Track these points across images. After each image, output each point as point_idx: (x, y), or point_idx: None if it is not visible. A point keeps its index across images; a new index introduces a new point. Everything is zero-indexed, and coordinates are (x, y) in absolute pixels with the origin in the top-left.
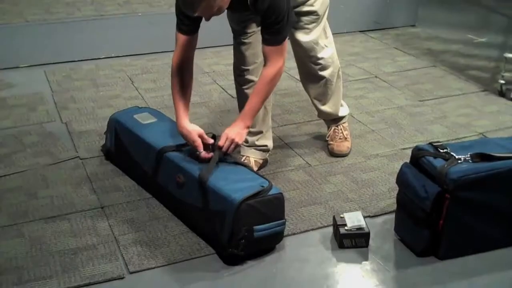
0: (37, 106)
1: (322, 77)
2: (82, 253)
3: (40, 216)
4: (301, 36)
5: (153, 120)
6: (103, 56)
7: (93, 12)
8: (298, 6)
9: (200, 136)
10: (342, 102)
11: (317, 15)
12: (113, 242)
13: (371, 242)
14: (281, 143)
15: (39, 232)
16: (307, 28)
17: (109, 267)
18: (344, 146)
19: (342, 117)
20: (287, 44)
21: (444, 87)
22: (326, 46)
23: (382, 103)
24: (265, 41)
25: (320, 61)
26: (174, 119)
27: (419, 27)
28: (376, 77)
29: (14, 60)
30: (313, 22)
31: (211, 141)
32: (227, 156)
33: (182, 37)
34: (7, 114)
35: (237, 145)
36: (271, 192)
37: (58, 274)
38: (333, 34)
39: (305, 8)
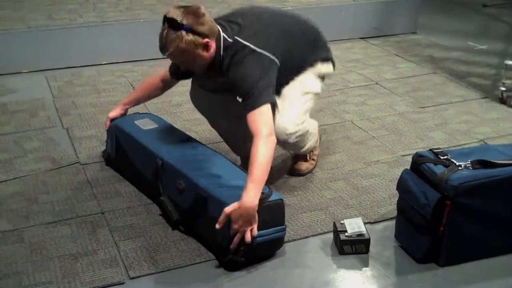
0: (38, 111)
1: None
2: (82, 258)
3: (41, 221)
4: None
5: (154, 126)
6: (104, 62)
7: (95, 19)
8: None
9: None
10: (311, 123)
11: None
12: (113, 248)
13: (371, 248)
14: (282, 150)
15: (39, 237)
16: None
17: (109, 273)
18: (303, 166)
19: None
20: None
21: (444, 94)
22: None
23: (383, 110)
24: (244, 110)
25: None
26: (175, 125)
27: (420, 34)
28: (376, 83)
29: (16, 65)
30: None
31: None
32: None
33: (166, 73)
34: (8, 120)
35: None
36: (271, 198)
37: (58, 279)
38: (333, 40)
39: None
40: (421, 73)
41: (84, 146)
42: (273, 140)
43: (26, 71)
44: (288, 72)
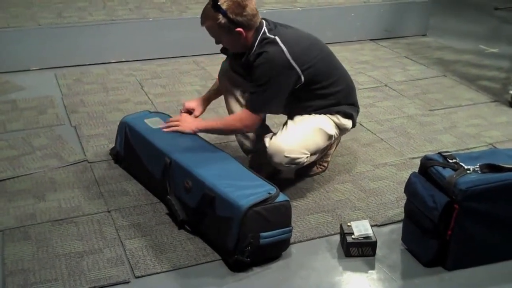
0: (47, 109)
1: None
2: (88, 256)
3: (47, 219)
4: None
5: (163, 125)
6: (113, 61)
7: (105, 17)
8: None
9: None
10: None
11: None
12: (119, 246)
13: (378, 251)
14: None
15: (46, 235)
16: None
17: (115, 271)
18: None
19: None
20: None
21: (454, 97)
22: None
23: (392, 112)
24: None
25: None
26: None
27: (430, 36)
28: (386, 85)
29: (25, 63)
30: None
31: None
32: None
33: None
34: (17, 117)
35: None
36: (278, 199)
37: (63, 277)
38: (343, 42)
39: None
40: (431, 76)
41: (92, 144)
42: (248, 125)
43: (35, 68)
44: (309, 101)
